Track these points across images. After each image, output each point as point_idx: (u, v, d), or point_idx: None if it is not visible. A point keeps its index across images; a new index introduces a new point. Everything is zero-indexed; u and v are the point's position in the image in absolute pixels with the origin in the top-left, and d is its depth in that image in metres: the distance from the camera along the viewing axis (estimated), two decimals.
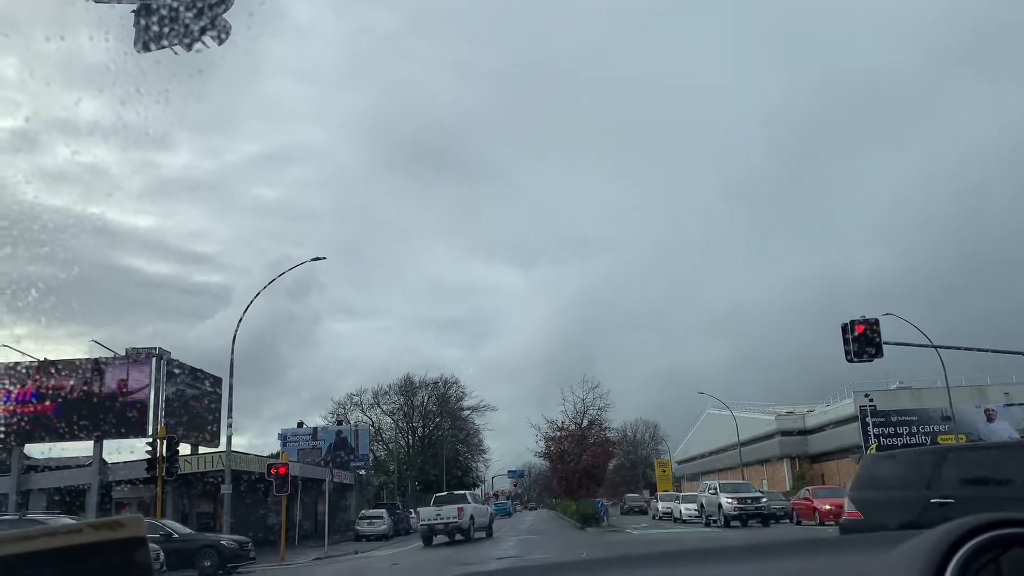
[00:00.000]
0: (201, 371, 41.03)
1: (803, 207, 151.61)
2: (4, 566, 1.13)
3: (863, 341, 23.23)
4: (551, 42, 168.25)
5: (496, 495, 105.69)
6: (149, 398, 35.97)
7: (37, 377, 34.84)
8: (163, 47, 7.99)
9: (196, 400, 40.76)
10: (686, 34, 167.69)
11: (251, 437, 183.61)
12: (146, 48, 7.93)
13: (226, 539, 25.15)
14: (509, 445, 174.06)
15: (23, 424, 34.68)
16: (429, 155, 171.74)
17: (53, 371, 35.04)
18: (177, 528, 25.28)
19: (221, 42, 8.22)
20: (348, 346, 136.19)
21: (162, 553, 17.64)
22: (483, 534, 34.49)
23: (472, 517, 32.59)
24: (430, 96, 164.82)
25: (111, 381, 36.17)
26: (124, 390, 36.08)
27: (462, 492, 37.86)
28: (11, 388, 34.32)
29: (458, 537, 31.96)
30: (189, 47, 8.15)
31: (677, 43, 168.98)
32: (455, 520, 31.66)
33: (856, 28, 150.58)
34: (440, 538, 32.15)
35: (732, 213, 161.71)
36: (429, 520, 32.28)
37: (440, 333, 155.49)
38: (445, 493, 36.78)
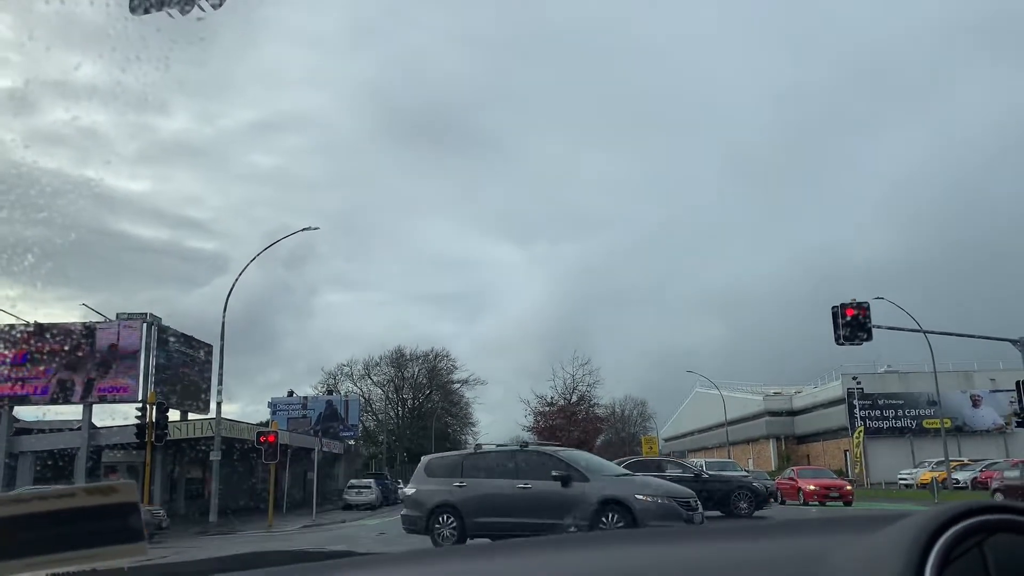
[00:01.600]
0: (193, 338, 41.02)
1: (805, 187, 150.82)
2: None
3: (853, 325, 23.38)
4: (555, 13, 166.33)
5: None
6: (139, 364, 35.99)
7: (28, 341, 34.75)
8: (158, 10, 7.89)
9: (187, 366, 40.78)
10: (692, 7, 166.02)
11: (244, 404, 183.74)
12: (143, 11, 7.82)
13: (757, 482, 26.47)
14: (504, 420, 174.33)
15: (13, 387, 34.68)
16: (430, 126, 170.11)
17: (45, 335, 34.97)
18: (704, 469, 26.43)
19: (217, 6, 8.12)
20: (344, 317, 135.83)
21: (698, 502, 15.27)
22: None
23: None
24: (433, 66, 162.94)
25: (102, 346, 36.14)
26: (115, 355, 36.07)
27: None
28: (3, 352, 34.26)
29: None
30: (184, 11, 8.05)
31: (683, 17, 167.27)
32: None
33: (866, 5, 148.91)
34: None
35: (733, 191, 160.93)
36: None
37: (436, 307, 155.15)
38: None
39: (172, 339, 38.98)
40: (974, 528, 0.90)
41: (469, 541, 14.61)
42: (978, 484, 38.61)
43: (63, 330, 35.68)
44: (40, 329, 35.13)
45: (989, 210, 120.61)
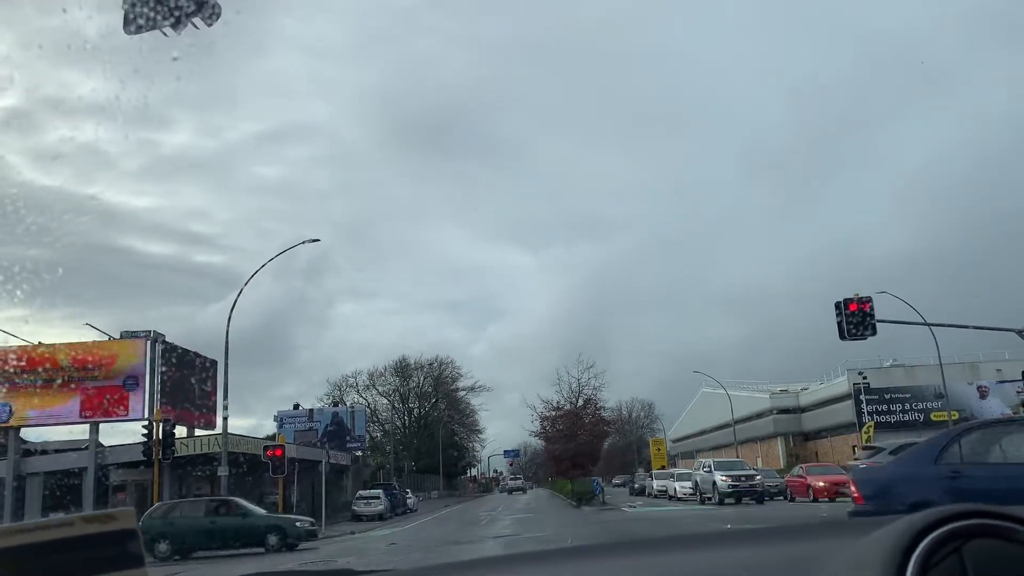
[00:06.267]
0: (200, 354, 41.03)
1: (820, 183, 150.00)
2: (2, 558, 1.16)
3: (857, 319, 23.37)
4: (565, 15, 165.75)
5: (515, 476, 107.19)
6: (144, 381, 36.01)
7: (33, 361, 34.79)
8: (151, 29, 7.93)
9: (192, 382, 40.79)
10: (705, 6, 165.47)
11: (260, 418, 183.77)
12: (136, 30, 7.87)
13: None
14: (515, 426, 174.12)
15: (19, 408, 34.73)
16: (439, 132, 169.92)
17: (50, 355, 35.01)
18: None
19: (211, 23, 8.16)
20: (358, 327, 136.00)
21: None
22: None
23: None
24: (442, 71, 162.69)
25: (108, 364, 36.18)
26: (119, 373, 36.10)
27: (520, 476, 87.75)
28: (8, 373, 34.29)
29: (517, 492, 75.80)
30: (177, 28, 8.09)
31: (696, 16, 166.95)
32: (521, 485, 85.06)
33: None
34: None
35: (748, 190, 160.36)
36: (510, 486, 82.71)
37: (449, 314, 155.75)
38: (512, 475, 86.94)
39: (177, 356, 39.00)
40: (953, 533, 0.92)
41: None
42: None
43: (68, 349, 35.72)
44: (45, 349, 35.19)
45: (1006, 202, 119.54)
